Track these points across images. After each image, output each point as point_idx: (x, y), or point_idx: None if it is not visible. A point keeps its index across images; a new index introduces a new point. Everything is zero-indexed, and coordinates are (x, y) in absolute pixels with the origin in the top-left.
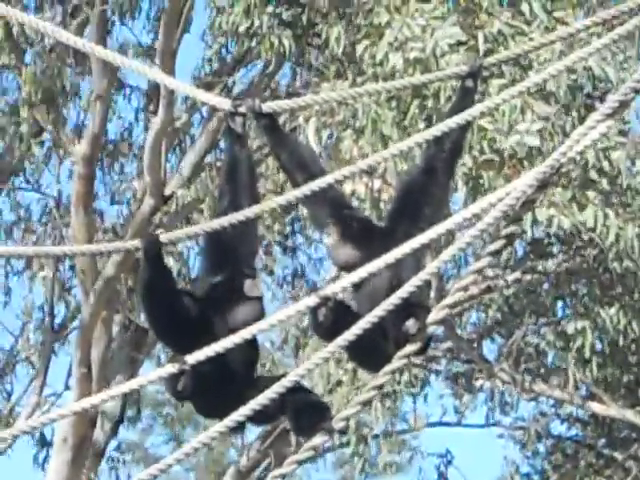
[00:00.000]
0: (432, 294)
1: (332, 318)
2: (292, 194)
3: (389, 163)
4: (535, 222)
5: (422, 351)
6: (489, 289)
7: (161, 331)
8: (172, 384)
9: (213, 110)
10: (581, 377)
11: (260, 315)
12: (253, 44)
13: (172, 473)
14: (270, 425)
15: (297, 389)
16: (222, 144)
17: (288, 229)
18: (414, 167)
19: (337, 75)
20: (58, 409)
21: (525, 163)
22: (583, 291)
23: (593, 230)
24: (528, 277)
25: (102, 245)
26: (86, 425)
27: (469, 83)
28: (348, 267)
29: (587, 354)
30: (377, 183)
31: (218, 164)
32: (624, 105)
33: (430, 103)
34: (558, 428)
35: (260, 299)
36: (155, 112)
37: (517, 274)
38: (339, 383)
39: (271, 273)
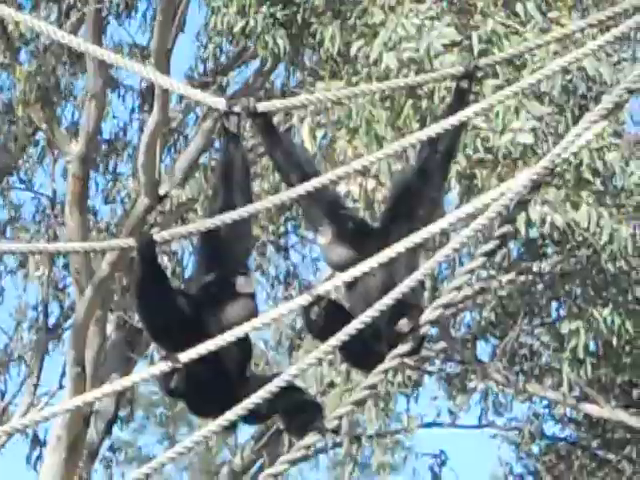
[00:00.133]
0: (426, 295)
1: (325, 317)
2: (286, 194)
3: (383, 163)
4: (529, 222)
5: (415, 351)
6: (483, 290)
7: (154, 329)
8: (165, 382)
9: (208, 110)
10: (575, 378)
11: (252, 312)
12: (248, 44)
13: (165, 473)
14: (264, 425)
15: (290, 388)
16: (217, 144)
17: (282, 229)
18: (408, 168)
19: (332, 75)
20: (51, 407)
21: (519, 163)
22: (577, 292)
23: (587, 230)
24: (522, 278)
25: (96, 243)
26: (80, 424)
27: (464, 84)
28: (342, 267)
29: (581, 355)
30: (371, 183)
31: (213, 164)
32: (618, 106)
33: (424, 104)
34: (552, 429)
35: (252, 296)
36: (150, 112)
37: (511, 275)
38: (332, 384)
39: (264, 273)
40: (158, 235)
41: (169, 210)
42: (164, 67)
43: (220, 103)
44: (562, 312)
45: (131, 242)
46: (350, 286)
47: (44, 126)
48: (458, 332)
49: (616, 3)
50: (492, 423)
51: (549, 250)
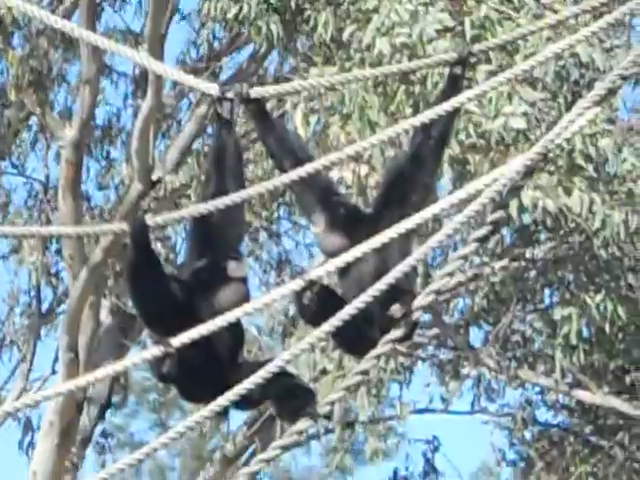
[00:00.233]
0: (418, 281)
1: (317, 302)
2: (279, 179)
3: (376, 149)
4: (521, 207)
5: (408, 337)
6: (476, 276)
7: (147, 314)
8: (157, 367)
9: (201, 95)
10: (567, 365)
11: (244, 296)
12: (241, 30)
13: (158, 459)
14: (256, 411)
15: (282, 374)
16: (210, 130)
17: (275, 215)
18: (401, 153)
19: (325, 61)
20: (44, 391)
21: (512, 149)
22: (569, 278)
23: (579, 215)
24: (515, 264)
25: (89, 227)
26: (73, 410)
27: (457, 70)
28: (336, 255)
29: (574, 341)
30: (364, 169)
31: (206, 150)
32: (612, 92)
33: (417, 89)
34: (544, 415)
35: (244, 280)
36: (143, 98)
37: (504, 261)
38: (324, 372)
39: (257, 259)
40: (151, 219)
41: (163, 196)
42: (158, 53)
43: (213, 89)
44: (555, 298)
45: (124, 226)
46: (343, 272)
47: (37, 111)
48: (451, 318)
49: None
50: (484, 409)
51: (542, 237)
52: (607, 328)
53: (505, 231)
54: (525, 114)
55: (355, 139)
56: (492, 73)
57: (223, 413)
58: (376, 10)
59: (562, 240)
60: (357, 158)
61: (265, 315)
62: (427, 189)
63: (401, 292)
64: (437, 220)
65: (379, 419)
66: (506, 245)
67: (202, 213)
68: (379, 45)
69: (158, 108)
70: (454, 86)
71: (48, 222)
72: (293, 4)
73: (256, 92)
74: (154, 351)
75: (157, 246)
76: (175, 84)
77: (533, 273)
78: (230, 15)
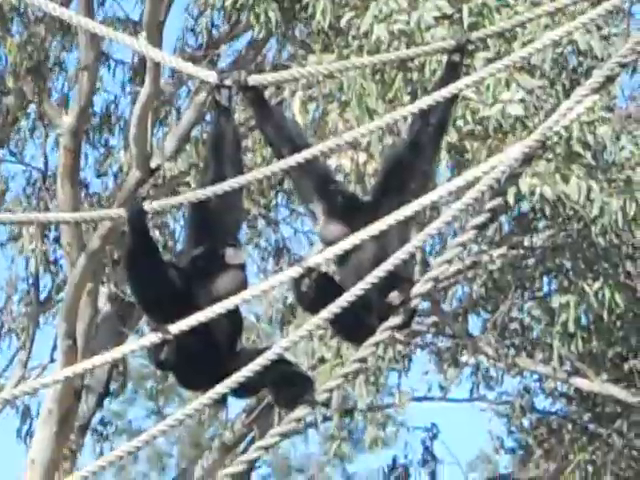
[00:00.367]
0: (416, 269)
1: (316, 289)
2: (277, 165)
3: (374, 136)
4: (519, 194)
5: (406, 324)
6: (474, 264)
7: (145, 301)
8: (155, 354)
9: (200, 83)
10: (565, 352)
11: (242, 283)
12: (240, 17)
13: (156, 446)
14: (255, 398)
15: (280, 362)
16: (209, 117)
17: (273, 202)
18: (400, 141)
19: (323, 48)
20: (42, 378)
21: (510, 136)
22: (568, 266)
23: (577, 203)
24: (513, 252)
25: (86, 213)
26: (71, 398)
27: (456, 57)
28: (335, 243)
29: (572, 329)
30: (362, 157)
31: (205, 137)
32: (610, 80)
33: (415, 76)
34: (542, 403)
35: (242, 267)
36: (141, 85)
37: (503, 249)
38: (323, 360)
39: (255, 246)
40: (148, 205)
41: (161, 183)
42: (156, 40)
43: (211, 76)
44: (553, 286)
45: (121, 212)
46: (342, 259)
47: (35, 98)
48: (449, 306)
49: None
50: (483, 397)
51: (540, 224)
52: (605, 316)
53: (503, 219)
54: (523, 101)
55: (353, 126)
56: (490, 60)
57: (221, 401)
58: None
59: (560, 228)
60: (355, 146)
61: (263, 302)
62: (426, 176)
63: (400, 279)
64: (435, 208)
65: (378, 407)
66: (504, 233)
67: (200, 200)
68: (377, 32)
69: (156, 96)
70: (453, 73)
71: (47, 210)
72: None
73: (254, 80)
74: (152, 338)
75: (155, 234)
76: (174, 72)
77: (531, 261)
78: (228, 2)
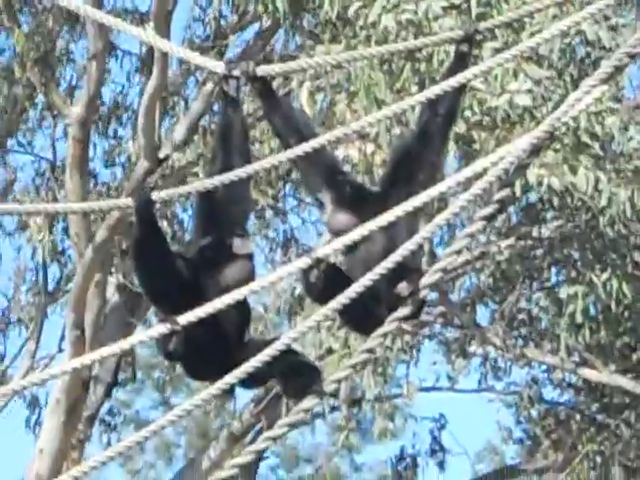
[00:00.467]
0: (424, 259)
1: (324, 280)
2: (284, 155)
3: (382, 126)
4: (526, 185)
5: (415, 315)
6: (483, 255)
7: (153, 292)
8: (163, 345)
9: (208, 73)
10: (573, 343)
11: (250, 273)
12: (248, 7)
13: (164, 436)
14: (263, 388)
15: (288, 352)
16: (217, 107)
17: (281, 192)
18: (408, 132)
19: (331, 39)
20: (50, 369)
21: (517, 127)
22: (576, 256)
23: (585, 193)
24: (521, 243)
25: (94, 203)
26: (79, 388)
27: (464, 48)
28: (344, 233)
29: (580, 319)
30: (370, 147)
31: (213, 127)
32: (618, 70)
33: (423, 67)
34: (550, 394)
35: (250, 257)
36: (149, 76)
37: (511, 240)
38: (330, 351)
39: (264, 237)
40: (156, 195)
41: (169, 173)
42: (164, 31)
43: (219, 67)
44: (561, 277)
45: (129, 202)
46: (350, 250)
47: (43, 89)
48: (457, 297)
49: None
50: (491, 387)
51: (548, 215)
52: (613, 306)
53: (511, 209)
54: (530, 91)
55: (361, 117)
56: (498, 50)
57: (229, 391)
58: None
59: (568, 219)
60: (363, 136)
61: (271, 293)
62: (434, 167)
63: (408, 270)
64: (442, 199)
65: (386, 397)
66: (512, 223)
67: (208, 190)
68: (385, 22)
69: (164, 86)
70: (461, 64)
71: (55, 200)
72: None
73: (262, 70)
74: (161, 329)
75: (163, 224)
76: (182, 62)
77: (539, 251)
78: None
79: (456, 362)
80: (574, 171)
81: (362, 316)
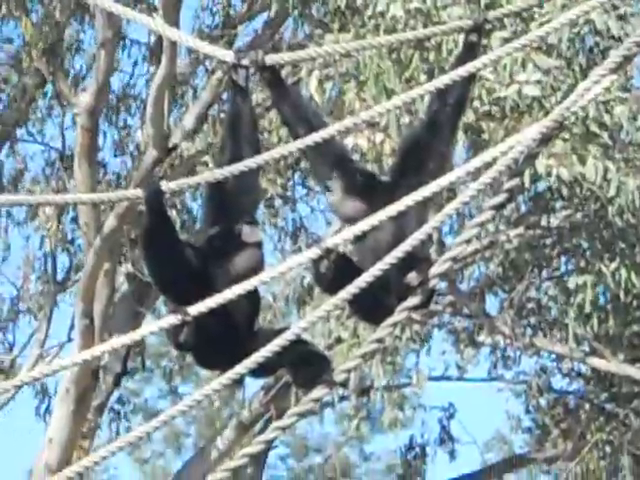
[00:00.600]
0: (433, 248)
1: (334, 270)
2: (294, 144)
3: (391, 116)
4: (535, 175)
5: (425, 305)
6: (492, 244)
7: (162, 282)
8: (174, 335)
9: (217, 62)
10: (582, 332)
11: (260, 261)
12: None
13: (173, 425)
14: (272, 378)
15: (298, 342)
16: (226, 96)
17: (290, 182)
18: (418, 121)
19: (340, 28)
20: (60, 360)
21: (526, 116)
22: (585, 246)
23: (593, 183)
24: (530, 232)
25: (104, 194)
26: (88, 377)
27: (473, 37)
28: (354, 220)
29: (588, 309)
30: (379, 136)
31: (222, 117)
32: (627, 60)
33: (432, 56)
34: (559, 383)
35: (259, 245)
36: (158, 65)
37: (520, 229)
38: (339, 340)
39: (273, 226)
40: (166, 186)
41: (179, 163)
42: (173, 20)
43: (228, 56)
44: (570, 266)
45: (139, 192)
46: (359, 240)
47: (51, 78)
48: (466, 286)
49: None
50: (500, 377)
51: (557, 205)
52: (622, 296)
53: (520, 199)
54: (539, 81)
55: (370, 106)
56: (507, 40)
57: (239, 380)
58: None
59: (577, 208)
60: (372, 125)
61: (281, 282)
62: (443, 157)
63: (417, 260)
64: (451, 189)
65: (395, 386)
66: (521, 213)
67: (217, 179)
68: (393, 11)
69: (172, 75)
70: (470, 53)
71: (64, 189)
72: None
73: (271, 59)
74: (171, 320)
75: (173, 213)
76: (191, 51)
77: (548, 241)
78: None
79: (465, 351)
80: (583, 161)
81: (372, 306)
